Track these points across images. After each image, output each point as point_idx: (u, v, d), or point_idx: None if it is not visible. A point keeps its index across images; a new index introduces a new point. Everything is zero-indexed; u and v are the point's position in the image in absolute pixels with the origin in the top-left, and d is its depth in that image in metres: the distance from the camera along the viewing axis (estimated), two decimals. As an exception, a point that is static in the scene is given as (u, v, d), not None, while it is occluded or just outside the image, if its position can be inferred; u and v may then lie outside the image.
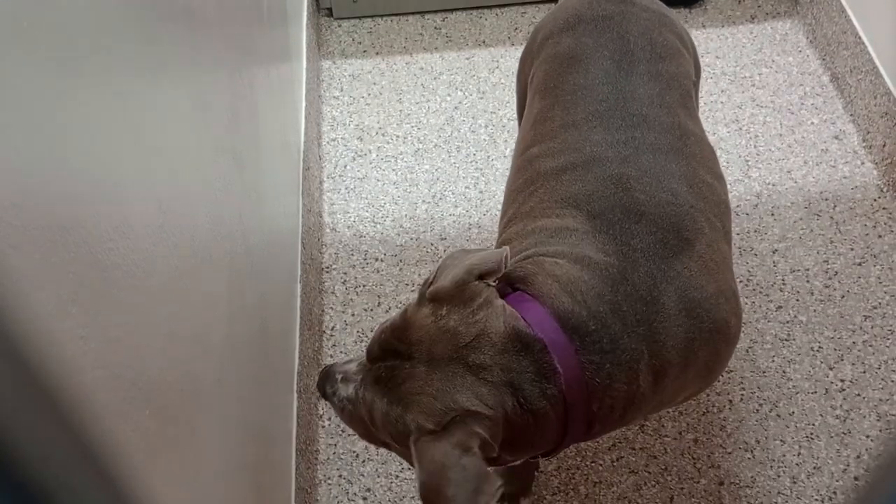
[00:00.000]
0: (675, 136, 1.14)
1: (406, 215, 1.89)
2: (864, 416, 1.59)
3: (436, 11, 2.30)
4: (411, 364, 0.92)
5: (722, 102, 2.08)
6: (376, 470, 1.55)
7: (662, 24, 1.28)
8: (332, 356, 1.69)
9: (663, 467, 1.54)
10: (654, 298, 0.98)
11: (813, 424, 1.58)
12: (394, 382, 0.92)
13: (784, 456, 1.55)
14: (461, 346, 0.91)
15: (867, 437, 1.56)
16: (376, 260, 1.82)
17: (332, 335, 1.72)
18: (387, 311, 1.74)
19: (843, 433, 1.57)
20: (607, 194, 1.05)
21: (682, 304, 1.00)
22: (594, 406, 0.95)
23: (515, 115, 2.06)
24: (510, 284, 1.00)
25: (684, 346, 1.00)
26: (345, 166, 1.99)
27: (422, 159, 1.99)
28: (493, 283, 0.97)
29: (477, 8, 2.30)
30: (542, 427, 0.93)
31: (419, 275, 1.79)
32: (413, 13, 2.30)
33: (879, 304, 1.73)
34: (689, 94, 1.24)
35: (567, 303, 0.95)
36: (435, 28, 2.27)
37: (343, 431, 1.59)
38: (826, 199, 1.89)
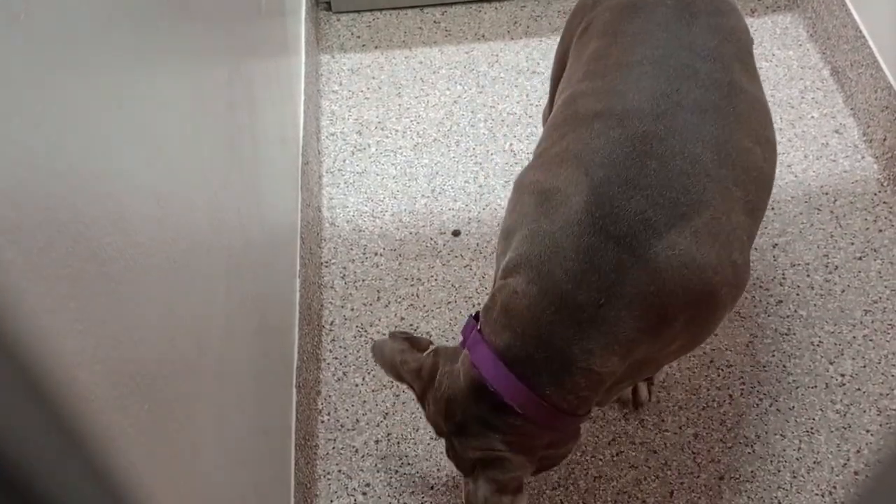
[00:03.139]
0: (721, 94, 1.14)
1: (405, 210, 1.89)
2: (865, 411, 1.58)
3: (435, 5, 2.29)
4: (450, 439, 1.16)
5: (722, 96, 2.07)
6: (375, 465, 1.55)
7: None
8: (331, 351, 1.69)
9: (663, 462, 1.54)
10: (613, 289, 1.02)
11: (813, 419, 1.58)
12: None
13: (784, 451, 1.55)
14: (449, 419, 1.13)
15: (867, 431, 1.56)
16: (375, 254, 1.82)
17: (331, 330, 1.72)
18: (386, 306, 1.74)
19: (844, 428, 1.57)
20: (620, 159, 1.06)
21: (653, 283, 1.02)
22: (564, 405, 1.07)
23: (516, 107, 2.06)
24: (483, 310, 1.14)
25: (654, 321, 1.04)
26: (344, 161, 1.98)
27: (421, 154, 1.99)
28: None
29: (476, 2, 2.30)
30: (534, 440, 1.11)
31: (418, 269, 1.79)
32: (412, 7, 2.29)
33: (880, 298, 1.72)
34: (748, 50, 1.24)
35: (507, 338, 1.07)
36: (434, 22, 2.27)
37: (342, 427, 1.59)
38: (826, 194, 1.89)
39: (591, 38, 1.30)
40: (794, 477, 1.52)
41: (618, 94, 1.14)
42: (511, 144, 1.99)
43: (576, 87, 1.22)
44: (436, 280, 1.77)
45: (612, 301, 1.02)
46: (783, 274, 1.76)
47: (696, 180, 1.06)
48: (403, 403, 1.62)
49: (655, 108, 1.11)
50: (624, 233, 1.02)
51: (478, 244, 1.82)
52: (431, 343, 1.28)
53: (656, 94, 1.12)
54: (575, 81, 1.24)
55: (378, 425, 1.59)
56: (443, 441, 1.57)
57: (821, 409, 1.59)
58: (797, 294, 1.74)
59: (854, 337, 1.67)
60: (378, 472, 1.54)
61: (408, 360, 1.22)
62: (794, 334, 1.68)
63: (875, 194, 1.88)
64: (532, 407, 1.07)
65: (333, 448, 1.57)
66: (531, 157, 1.38)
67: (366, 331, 1.71)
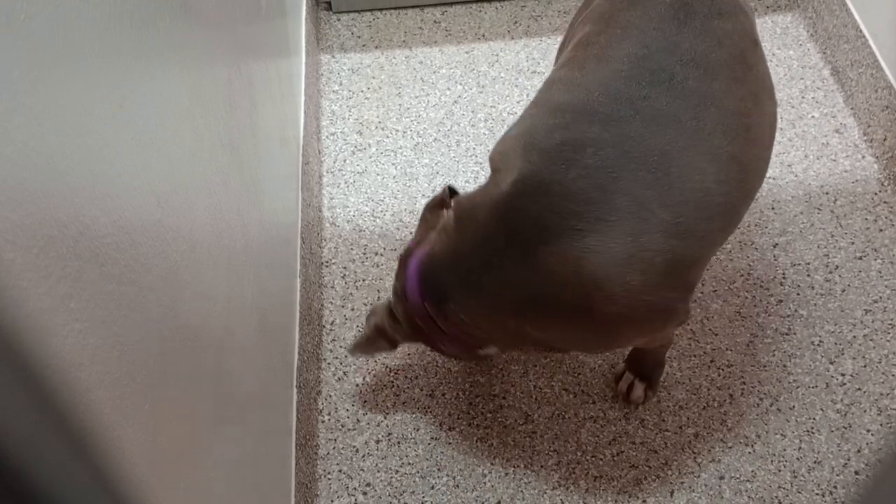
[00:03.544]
0: (688, 105, 1.11)
1: (406, 209, 1.89)
2: (865, 411, 1.58)
3: (435, 5, 2.29)
4: None
5: (722, 96, 2.07)
6: (376, 465, 1.55)
7: None
8: (331, 351, 1.69)
9: (664, 462, 1.54)
10: (495, 272, 1.14)
11: (813, 419, 1.58)
12: None
13: (785, 450, 1.55)
14: (399, 266, 1.36)
15: (868, 431, 1.56)
16: (376, 254, 1.82)
17: (331, 330, 1.72)
18: (386, 306, 1.74)
19: (844, 427, 1.57)
20: (548, 163, 1.10)
21: (532, 282, 1.11)
22: (442, 326, 1.26)
23: (516, 107, 2.06)
24: None
25: (531, 314, 1.14)
26: (344, 160, 1.98)
27: (421, 153, 1.99)
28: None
29: (476, 1, 2.30)
30: (415, 324, 1.32)
31: (419, 269, 1.79)
32: (412, 7, 2.29)
33: (880, 297, 1.72)
34: (742, 55, 1.19)
35: (428, 251, 1.26)
36: (434, 22, 2.27)
37: (343, 426, 1.59)
38: (827, 193, 1.88)
39: (586, 22, 1.29)
40: (795, 476, 1.52)
41: (585, 91, 1.15)
42: (511, 144, 1.99)
43: (556, 73, 1.23)
44: (436, 280, 1.77)
45: (492, 279, 1.14)
46: (783, 274, 1.76)
47: (609, 197, 1.05)
48: (404, 403, 1.62)
49: (613, 112, 1.11)
50: (518, 231, 1.10)
51: (478, 244, 1.82)
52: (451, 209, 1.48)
53: (621, 97, 1.12)
54: (558, 66, 1.26)
55: (378, 425, 1.59)
56: (442, 441, 1.58)
57: (821, 409, 1.59)
58: (797, 294, 1.74)
59: (854, 336, 1.67)
60: (378, 471, 1.54)
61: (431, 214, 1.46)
62: (795, 334, 1.68)
63: (875, 194, 1.88)
64: (417, 309, 1.28)
65: (334, 448, 1.57)
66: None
67: (366, 331, 1.71)
